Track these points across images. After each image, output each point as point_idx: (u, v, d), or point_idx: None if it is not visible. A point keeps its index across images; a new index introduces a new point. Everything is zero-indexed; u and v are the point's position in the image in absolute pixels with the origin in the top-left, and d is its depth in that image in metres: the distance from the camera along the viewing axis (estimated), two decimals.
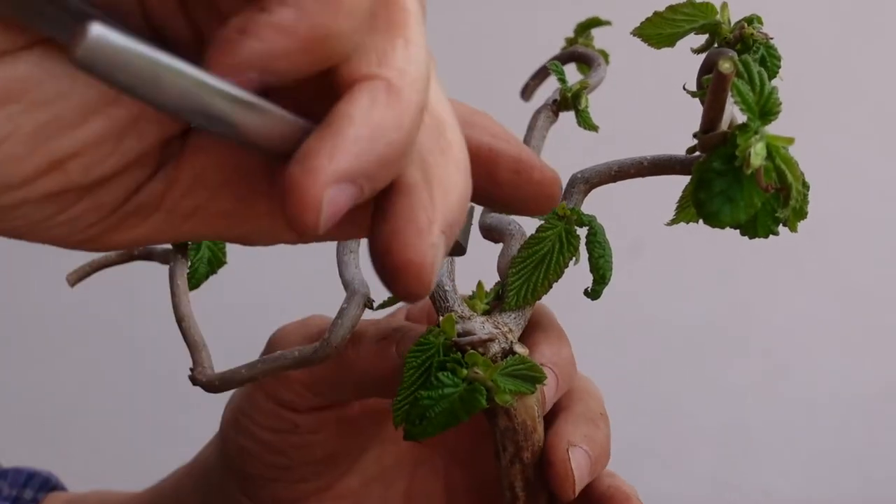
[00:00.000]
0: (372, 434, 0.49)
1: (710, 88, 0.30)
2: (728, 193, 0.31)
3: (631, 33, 0.44)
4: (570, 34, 0.54)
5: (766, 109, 0.30)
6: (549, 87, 0.52)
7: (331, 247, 0.49)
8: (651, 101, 0.99)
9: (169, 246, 0.51)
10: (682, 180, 0.45)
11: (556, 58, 0.55)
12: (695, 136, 0.32)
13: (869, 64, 1.09)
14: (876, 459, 1.15)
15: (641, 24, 0.43)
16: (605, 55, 0.53)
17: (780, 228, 0.37)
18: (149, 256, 0.52)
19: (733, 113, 0.33)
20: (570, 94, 0.49)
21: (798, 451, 1.15)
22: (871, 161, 1.10)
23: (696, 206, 0.31)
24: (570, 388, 0.44)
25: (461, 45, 1.09)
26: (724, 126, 0.32)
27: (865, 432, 1.14)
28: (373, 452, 0.49)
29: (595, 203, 0.46)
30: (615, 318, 1.05)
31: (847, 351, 1.13)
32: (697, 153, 0.40)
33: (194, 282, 0.50)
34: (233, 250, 0.51)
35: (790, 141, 0.30)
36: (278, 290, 1.09)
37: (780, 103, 0.30)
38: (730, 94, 0.31)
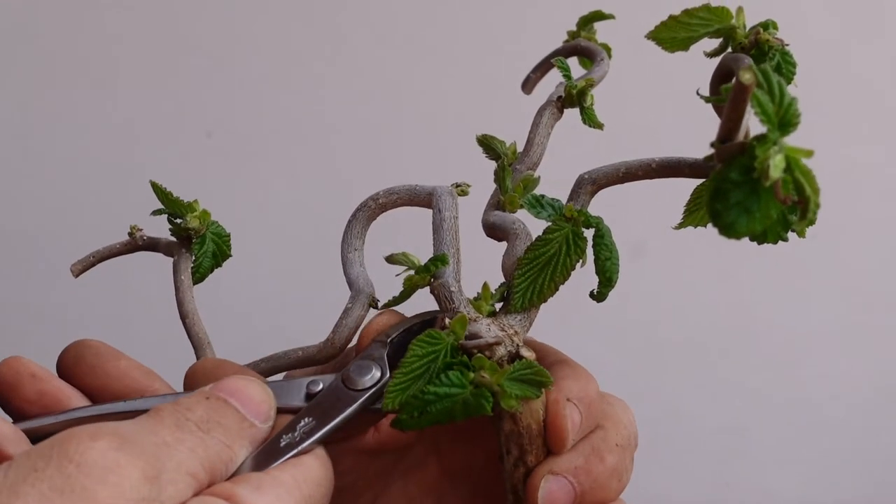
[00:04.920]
0: (394, 467, 0.48)
1: (730, 98, 0.30)
2: (745, 205, 0.30)
3: (646, 37, 0.43)
4: (573, 27, 0.54)
5: (785, 120, 0.30)
6: (552, 82, 0.51)
7: (335, 245, 0.49)
8: (657, 102, 0.98)
9: (173, 238, 0.51)
10: (686, 182, 0.44)
11: (558, 51, 0.53)
12: (712, 145, 0.31)
13: (871, 65, 1.09)
14: (876, 460, 1.14)
15: (656, 27, 0.43)
16: (607, 49, 0.52)
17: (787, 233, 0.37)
18: (154, 247, 0.51)
19: (749, 122, 0.32)
20: (575, 92, 0.48)
21: (798, 452, 1.14)
22: (872, 161, 1.09)
23: (711, 217, 0.31)
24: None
25: (463, 41, 1.08)
26: (740, 136, 0.31)
27: (865, 432, 1.14)
28: (397, 485, 0.48)
29: (595, 203, 0.45)
30: (616, 318, 1.04)
31: (847, 351, 1.13)
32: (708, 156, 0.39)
33: (199, 276, 0.49)
34: (237, 248, 0.50)
35: (809, 153, 0.30)
36: (283, 288, 1.08)
37: (800, 114, 0.30)
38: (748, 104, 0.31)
